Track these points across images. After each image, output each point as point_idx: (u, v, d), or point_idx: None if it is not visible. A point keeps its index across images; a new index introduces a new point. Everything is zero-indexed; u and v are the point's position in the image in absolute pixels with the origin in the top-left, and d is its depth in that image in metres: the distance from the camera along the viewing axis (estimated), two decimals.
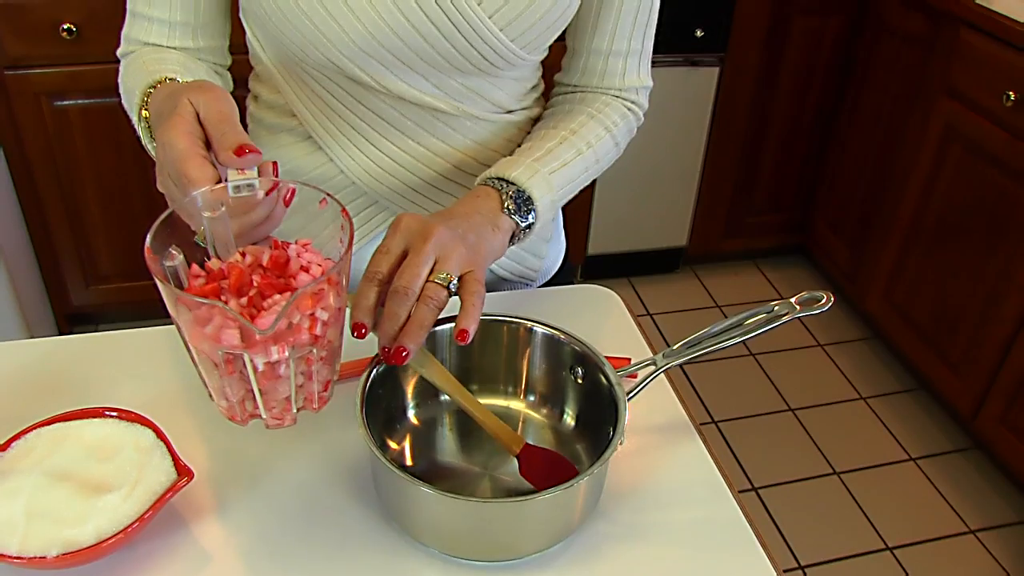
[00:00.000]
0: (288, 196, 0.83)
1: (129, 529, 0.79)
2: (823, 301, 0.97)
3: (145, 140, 0.99)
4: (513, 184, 1.03)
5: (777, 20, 2.95)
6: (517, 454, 0.93)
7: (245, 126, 1.19)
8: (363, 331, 0.85)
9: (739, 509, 0.95)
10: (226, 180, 0.80)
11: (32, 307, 2.64)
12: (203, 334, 0.75)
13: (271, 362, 0.77)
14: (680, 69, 2.93)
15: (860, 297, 3.11)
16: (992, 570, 2.40)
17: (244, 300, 0.76)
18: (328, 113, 1.10)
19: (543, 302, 1.05)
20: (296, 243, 0.82)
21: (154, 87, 0.97)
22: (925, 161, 2.73)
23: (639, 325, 1.21)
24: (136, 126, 1.00)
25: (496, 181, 1.04)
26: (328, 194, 0.84)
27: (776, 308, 0.97)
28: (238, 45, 1.18)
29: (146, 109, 0.96)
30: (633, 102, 1.20)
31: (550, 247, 1.32)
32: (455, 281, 0.88)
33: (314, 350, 0.79)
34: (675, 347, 0.98)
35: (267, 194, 0.81)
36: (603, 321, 1.22)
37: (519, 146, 1.13)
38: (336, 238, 0.83)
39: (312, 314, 0.77)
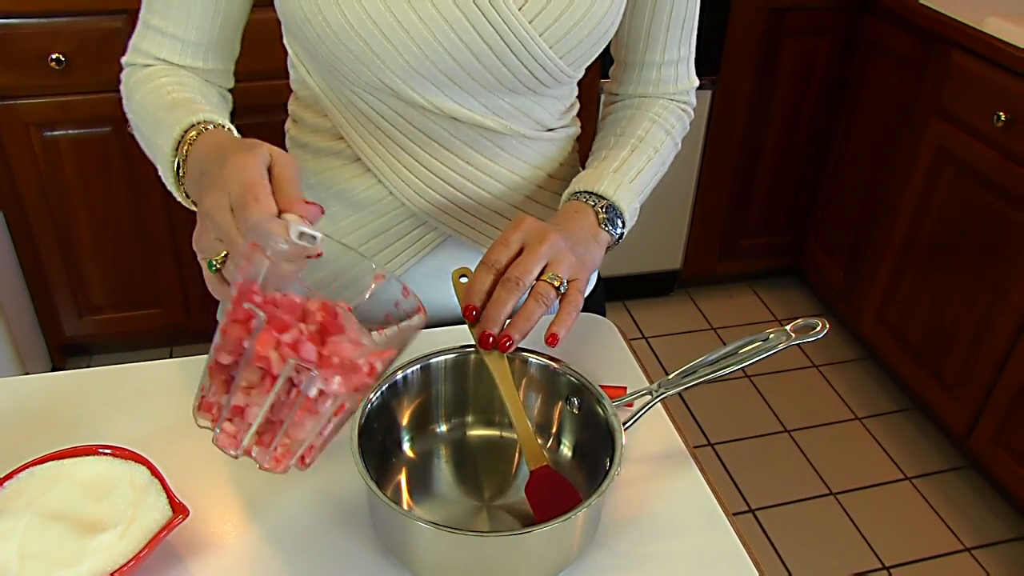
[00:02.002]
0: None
1: (124, 568, 0.79)
2: (818, 329, 0.97)
3: (167, 173, 0.98)
4: (603, 198, 1.08)
5: (769, 42, 2.97)
6: (531, 470, 0.93)
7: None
8: (474, 313, 0.92)
9: (737, 537, 0.94)
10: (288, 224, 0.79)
11: (25, 339, 2.63)
12: (277, 339, 0.73)
13: (320, 394, 0.74)
14: None
15: (854, 318, 3.12)
16: None
17: (313, 327, 0.75)
18: (377, 134, 1.10)
19: (538, 332, 1.05)
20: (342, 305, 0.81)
21: (197, 128, 0.95)
22: (917, 182, 2.74)
23: (635, 353, 1.21)
24: (159, 153, 0.98)
25: (585, 195, 1.08)
26: (405, 287, 0.83)
27: (772, 336, 0.97)
28: (273, 71, 1.19)
29: (188, 144, 0.94)
30: (686, 103, 1.25)
31: None
32: (565, 284, 0.94)
33: (348, 403, 0.78)
34: (671, 376, 0.98)
35: (313, 256, 0.81)
36: (599, 350, 1.22)
37: (591, 154, 1.18)
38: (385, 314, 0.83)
39: (373, 363, 0.76)
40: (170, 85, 1.04)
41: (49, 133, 2.45)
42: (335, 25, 0.98)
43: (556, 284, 0.93)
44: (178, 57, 1.10)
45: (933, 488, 2.70)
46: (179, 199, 0.99)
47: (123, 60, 1.13)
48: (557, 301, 0.95)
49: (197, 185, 0.90)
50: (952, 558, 2.48)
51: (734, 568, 0.92)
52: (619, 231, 1.08)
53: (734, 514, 2.53)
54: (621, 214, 1.09)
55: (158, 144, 0.99)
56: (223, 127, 0.97)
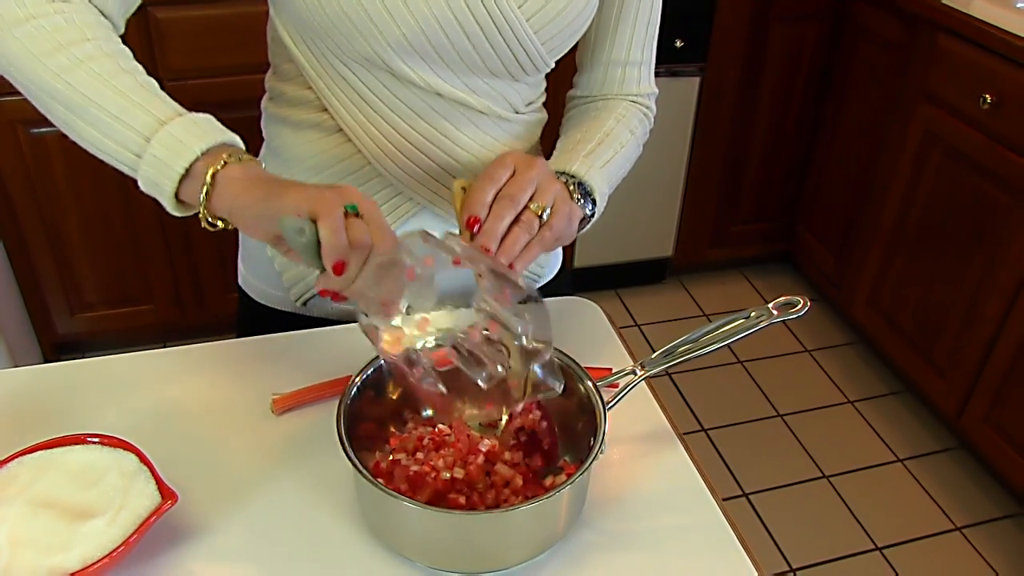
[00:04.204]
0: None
1: (114, 554, 0.79)
2: (800, 306, 0.98)
3: (163, 156, 0.92)
4: (574, 177, 1.09)
5: (756, 28, 2.97)
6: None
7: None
8: (477, 225, 0.95)
9: (722, 514, 0.95)
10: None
11: (17, 337, 2.63)
12: None
13: None
14: (661, 80, 2.88)
15: (845, 303, 3.13)
16: (978, 565, 2.41)
17: None
18: (361, 105, 1.12)
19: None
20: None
21: (231, 151, 0.92)
22: (906, 166, 2.75)
23: (620, 336, 1.22)
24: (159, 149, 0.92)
25: (556, 174, 1.09)
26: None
27: (753, 314, 0.98)
28: (262, 65, 1.20)
29: (229, 162, 0.91)
30: (648, 107, 1.27)
31: None
32: (547, 212, 0.98)
33: None
34: (653, 356, 0.99)
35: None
36: (585, 333, 1.23)
37: (556, 149, 1.18)
38: None
39: None
40: (128, 67, 0.98)
41: (36, 130, 2.43)
42: None
43: (539, 213, 0.97)
44: None
45: (925, 469, 2.72)
46: (152, 180, 0.93)
47: None
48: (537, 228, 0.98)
49: (261, 183, 0.90)
50: (943, 537, 2.49)
51: (719, 543, 0.93)
52: (590, 208, 1.09)
53: (728, 499, 2.55)
54: (592, 194, 1.09)
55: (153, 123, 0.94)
56: (243, 155, 0.94)
